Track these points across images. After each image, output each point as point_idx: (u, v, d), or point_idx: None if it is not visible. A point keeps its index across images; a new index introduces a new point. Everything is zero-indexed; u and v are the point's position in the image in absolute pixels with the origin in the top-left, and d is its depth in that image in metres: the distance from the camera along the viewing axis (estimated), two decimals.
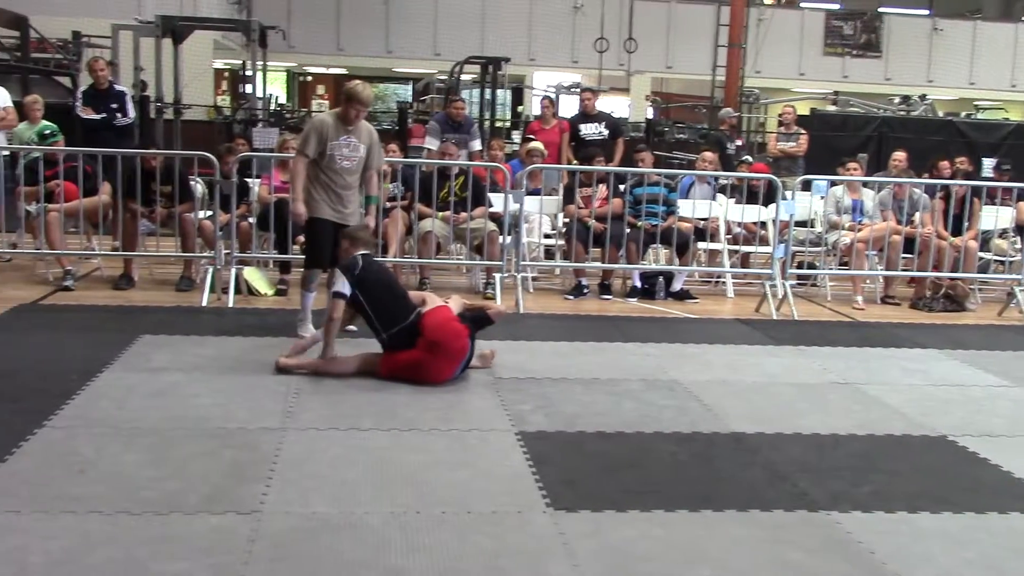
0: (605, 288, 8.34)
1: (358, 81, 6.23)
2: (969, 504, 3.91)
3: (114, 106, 9.59)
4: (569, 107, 19.55)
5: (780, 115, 12.57)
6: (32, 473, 3.78)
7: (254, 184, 8.04)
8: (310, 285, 6.25)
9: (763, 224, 8.73)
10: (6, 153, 8.24)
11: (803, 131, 12.17)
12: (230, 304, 7.20)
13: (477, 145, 10.15)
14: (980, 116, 22.50)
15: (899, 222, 8.60)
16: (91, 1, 18.70)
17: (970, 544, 3.55)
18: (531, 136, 10.16)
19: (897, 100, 20.08)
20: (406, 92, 28.58)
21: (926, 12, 27.51)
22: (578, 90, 16.40)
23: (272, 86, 22.88)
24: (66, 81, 16.23)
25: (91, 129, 9.50)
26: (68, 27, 17.24)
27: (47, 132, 8.11)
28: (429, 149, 9.74)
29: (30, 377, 5.03)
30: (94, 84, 9.72)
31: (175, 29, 14.90)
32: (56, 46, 16.90)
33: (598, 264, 8.38)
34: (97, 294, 7.44)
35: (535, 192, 8.66)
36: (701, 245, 8.63)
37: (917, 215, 8.56)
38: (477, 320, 5.52)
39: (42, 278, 7.84)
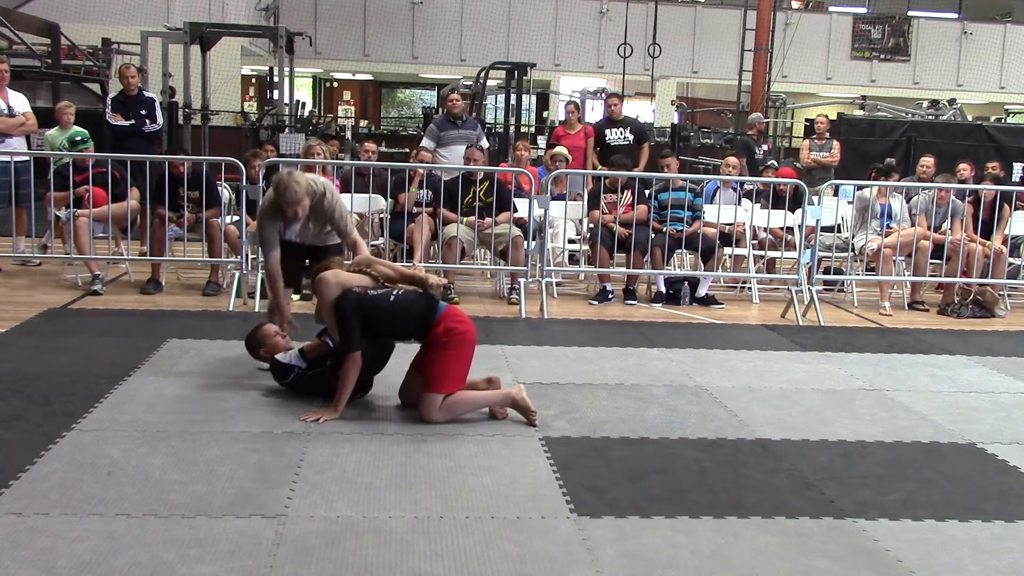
0: (630, 293, 8.32)
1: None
2: (999, 512, 3.86)
3: (143, 112, 9.67)
4: (595, 112, 19.57)
5: (813, 121, 12.49)
6: (61, 476, 3.81)
7: None
8: None
9: (789, 229, 8.68)
10: (24, 158, 8.34)
11: (835, 141, 12.12)
12: (256, 309, 7.24)
13: (483, 144, 10.06)
14: (1010, 120, 22.24)
15: (930, 228, 8.52)
16: (121, 9, 18.98)
17: (1000, 553, 3.51)
18: (555, 142, 10.15)
19: (926, 104, 19.90)
20: (431, 98, 28.67)
21: (955, 16, 27.23)
22: (603, 95, 16.39)
23: (299, 92, 23.02)
24: (96, 87, 16.47)
25: (120, 135, 9.59)
26: (98, 34, 17.48)
27: (78, 139, 8.18)
28: (425, 149, 9.59)
29: (59, 380, 5.08)
30: (124, 91, 9.81)
31: (203, 36, 15.07)
32: (86, 53, 17.10)
33: (623, 269, 8.36)
34: (125, 298, 7.51)
35: (560, 197, 8.65)
36: (726, 250, 8.59)
37: (946, 223, 8.48)
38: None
39: (71, 283, 7.93)
